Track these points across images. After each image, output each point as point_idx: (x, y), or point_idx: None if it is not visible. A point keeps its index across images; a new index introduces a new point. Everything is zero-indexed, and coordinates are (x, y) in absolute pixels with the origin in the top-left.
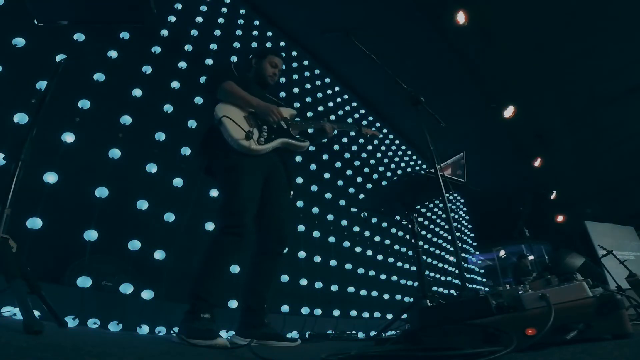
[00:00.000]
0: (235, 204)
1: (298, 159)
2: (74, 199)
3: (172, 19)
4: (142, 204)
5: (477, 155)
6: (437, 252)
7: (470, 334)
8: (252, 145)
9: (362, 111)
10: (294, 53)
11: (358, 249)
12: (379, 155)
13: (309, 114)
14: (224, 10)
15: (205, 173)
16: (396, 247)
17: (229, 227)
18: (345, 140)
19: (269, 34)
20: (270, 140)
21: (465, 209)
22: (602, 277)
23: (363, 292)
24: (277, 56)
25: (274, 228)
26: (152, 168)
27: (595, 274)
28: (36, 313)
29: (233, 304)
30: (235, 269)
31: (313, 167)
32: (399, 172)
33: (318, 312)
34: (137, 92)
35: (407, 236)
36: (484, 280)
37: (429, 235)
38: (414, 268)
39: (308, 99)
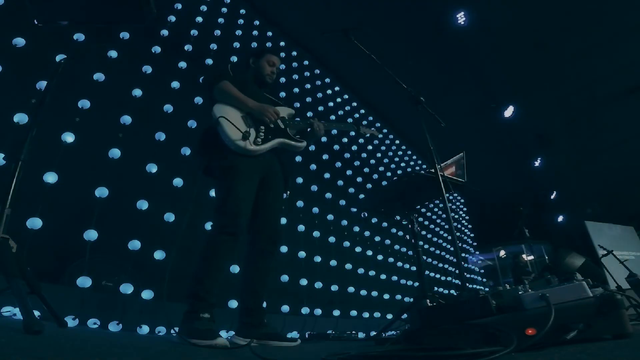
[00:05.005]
0: (230, 205)
1: (298, 158)
2: (74, 199)
3: (172, 19)
4: (142, 204)
5: (478, 155)
6: (437, 252)
7: (470, 334)
8: (249, 146)
9: (362, 111)
10: (294, 53)
11: (358, 249)
12: (379, 155)
13: (309, 113)
14: (224, 10)
15: (203, 173)
16: (396, 247)
17: (223, 227)
18: (345, 140)
19: (269, 34)
20: (267, 140)
21: (465, 209)
22: (602, 277)
23: (363, 292)
24: (274, 54)
25: (266, 228)
26: (152, 168)
27: (595, 274)
28: (36, 313)
29: (233, 304)
30: (235, 268)
31: (313, 167)
32: (399, 172)
33: (318, 312)
34: (137, 92)
35: (407, 236)
36: (484, 280)
37: (429, 235)
38: (414, 268)
39: (308, 99)
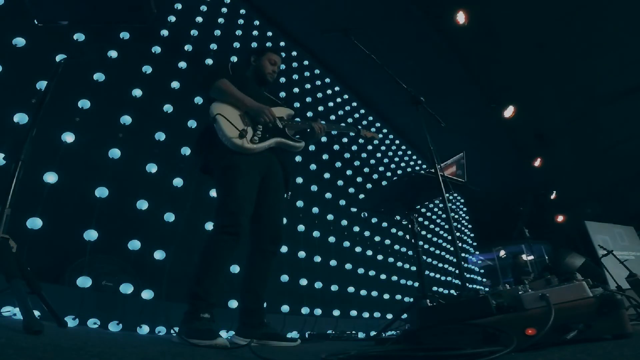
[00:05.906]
0: (231, 204)
1: (298, 158)
2: (74, 199)
3: (172, 19)
4: (142, 204)
5: (477, 155)
6: (437, 252)
7: (470, 334)
8: (246, 144)
9: (362, 111)
10: (294, 53)
11: (358, 249)
12: (379, 155)
13: (309, 114)
14: (224, 10)
15: (201, 171)
16: (396, 247)
17: (225, 226)
18: (345, 140)
19: (269, 34)
20: (265, 139)
21: (465, 209)
22: (602, 277)
23: (363, 292)
24: (275, 53)
25: (268, 228)
26: (152, 168)
27: (595, 274)
28: (36, 313)
29: (233, 304)
30: (235, 268)
31: (313, 167)
32: (399, 172)
33: (318, 312)
34: (137, 92)
35: (407, 236)
36: (484, 280)
37: (429, 235)
38: (414, 268)
39: (308, 99)
